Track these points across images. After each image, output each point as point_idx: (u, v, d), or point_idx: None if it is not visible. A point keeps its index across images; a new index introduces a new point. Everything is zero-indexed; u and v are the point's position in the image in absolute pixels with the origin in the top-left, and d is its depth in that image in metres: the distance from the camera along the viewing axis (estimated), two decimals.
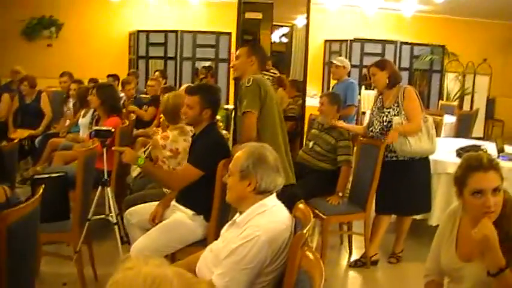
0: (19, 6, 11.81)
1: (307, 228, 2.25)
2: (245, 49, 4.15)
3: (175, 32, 11.46)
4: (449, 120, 9.24)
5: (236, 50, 7.04)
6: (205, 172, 3.60)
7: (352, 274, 4.94)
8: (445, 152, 5.43)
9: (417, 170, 4.76)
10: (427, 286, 2.79)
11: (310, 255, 2.04)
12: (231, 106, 6.13)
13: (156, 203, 3.97)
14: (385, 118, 4.71)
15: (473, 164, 2.39)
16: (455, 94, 12.45)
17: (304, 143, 5.88)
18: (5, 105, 7.99)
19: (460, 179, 2.42)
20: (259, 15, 10.51)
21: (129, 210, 4.03)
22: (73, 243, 4.01)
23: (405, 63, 11.86)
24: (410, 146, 4.57)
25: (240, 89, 4.05)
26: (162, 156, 4.34)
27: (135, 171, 5.31)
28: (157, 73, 9.27)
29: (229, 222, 2.70)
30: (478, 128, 11.58)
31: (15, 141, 4.90)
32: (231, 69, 4.28)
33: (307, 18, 7.21)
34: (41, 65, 10.97)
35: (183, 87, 5.42)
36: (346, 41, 11.93)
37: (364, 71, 11.87)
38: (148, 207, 3.96)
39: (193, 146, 3.88)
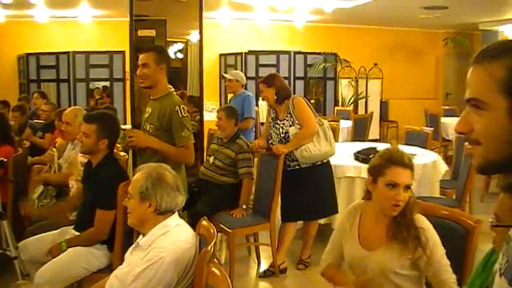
0: None
1: (212, 244, 2.26)
2: (152, 55, 3.91)
3: (67, 53, 11.18)
4: (345, 125, 9.52)
5: (132, 69, 6.95)
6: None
7: (263, 284, 4.97)
8: (343, 156, 5.61)
9: (320, 174, 4.89)
10: (325, 270, 2.85)
11: (217, 271, 2.05)
12: (128, 126, 6.06)
13: (52, 233, 3.86)
14: (281, 130, 4.82)
15: (394, 158, 2.53)
16: (350, 99, 12.86)
17: (204, 159, 5.87)
18: None
19: (378, 168, 2.54)
20: (152, 32, 10.38)
21: (22, 244, 3.87)
22: None
23: (300, 72, 12.17)
24: (310, 151, 4.69)
25: (168, 115, 3.82)
26: (77, 174, 4.22)
27: (35, 193, 5.14)
28: (35, 94, 8.93)
29: (133, 245, 2.66)
30: (374, 131, 12.02)
31: None
32: (138, 80, 4.09)
33: (200, 33, 7.22)
34: None
35: (69, 109, 5.28)
36: (241, 53, 12.09)
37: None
38: (41, 240, 3.83)
39: (91, 179, 3.77)
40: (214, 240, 2.33)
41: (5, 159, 3.91)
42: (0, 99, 8.75)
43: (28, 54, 11.26)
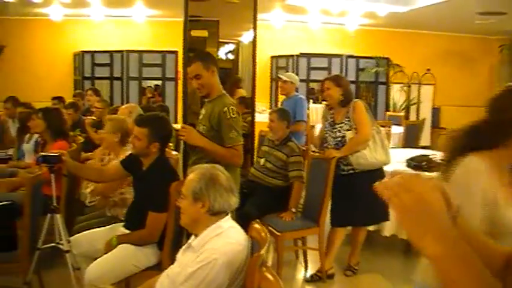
0: None
1: (265, 248, 2.23)
2: (200, 65, 3.91)
3: (121, 51, 11.39)
4: (396, 130, 9.39)
5: (183, 68, 7.00)
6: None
7: None
8: (395, 163, 5.50)
9: (373, 180, 4.74)
10: None
11: (269, 276, 2.03)
12: (179, 125, 6.08)
13: (102, 229, 3.95)
14: (338, 134, 4.75)
15: None
16: (401, 105, 12.68)
17: (255, 160, 5.86)
18: None
19: None
20: (205, 33, 10.49)
21: (73, 239, 3.94)
22: (22, 274, 3.89)
23: (351, 76, 12.06)
24: (366, 159, 4.62)
25: (217, 116, 3.82)
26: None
27: (88, 188, 5.22)
28: (89, 91, 9.10)
29: (185, 245, 2.66)
30: (425, 137, 11.82)
31: None
32: (196, 90, 4.07)
33: (254, 34, 7.22)
34: None
35: (124, 106, 5.34)
36: (292, 56, 12.06)
37: (312, 85, 12.05)
38: (92, 235, 3.90)
39: (142, 182, 3.80)
40: (267, 245, 2.30)
41: (61, 155, 3.96)
42: (55, 95, 8.95)
43: (84, 52, 11.54)
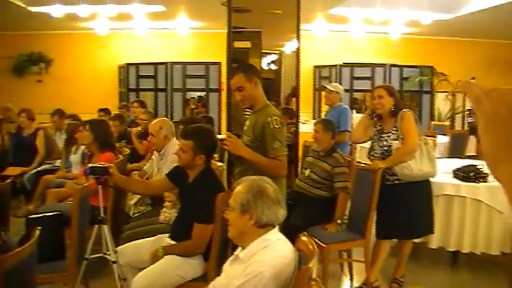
0: (7, 43, 11.90)
1: (313, 261, 2.21)
2: (242, 77, 3.87)
3: (165, 63, 11.54)
4: (441, 140, 9.23)
5: (227, 79, 7.02)
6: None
7: None
8: (441, 173, 5.39)
9: (419, 191, 4.70)
10: None
11: None
12: (220, 136, 6.11)
13: (148, 240, 3.96)
14: (385, 143, 4.68)
15: None
16: (446, 114, 12.49)
17: (299, 171, 5.82)
18: None
19: None
20: (247, 44, 10.52)
21: (119, 249, 3.97)
22: (70, 284, 3.93)
23: (395, 86, 11.84)
24: (412, 170, 4.54)
25: (261, 126, 3.78)
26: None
27: (132, 200, 5.29)
28: (135, 103, 9.23)
29: (232, 257, 2.66)
30: (472, 147, 11.58)
31: (9, 180, 4.84)
32: (239, 101, 4.04)
33: (298, 44, 7.21)
34: (31, 101, 10.89)
35: (154, 121, 5.45)
36: (336, 66, 12.01)
37: (355, 95, 11.98)
38: (138, 246, 3.92)
39: (188, 194, 3.81)
40: (315, 258, 2.27)
41: (109, 166, 4.01)
42: (101, 107, 9.11)
43: (128, 64, 11.75)
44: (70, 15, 9.54)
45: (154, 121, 5.48)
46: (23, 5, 8.91)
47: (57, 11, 9.18)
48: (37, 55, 12.08)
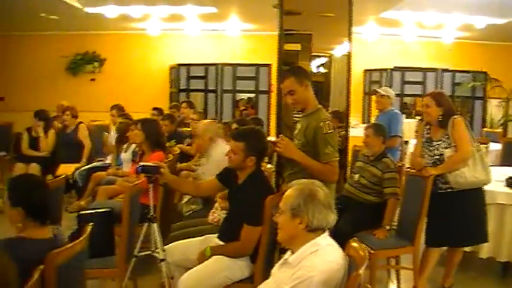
0: (63, 43, 12.28)
1: (363, 268, 2.18)
2: (293, 80, 3.83)
3: (216, 65, 11.62)
4: (493, 147, 9.01)
5: (277, 81, 7.03)
6: None
7: None
8: (493, 181, 5.25)
9: (472, 199, 4.59)
10: None
11: None
12: (272, 138, 6.11)
13: (196, 239, 4.00)
14: (435, 152, 4.59)
15: None
16: (499, 120, 12.20)
17: (348, 176, 5.77)
18: (51, 141, 8.11)
19: None
20: (298, 46, 10.51)
21: (168, 248, 4.01)
22: (118, 279, 3.99)
23: (447, 91, 11.68)
24: (466, 177, 4.45)
25: (313, 131, 3.75)
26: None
27: (184, 198, 5.35)
28: (184, 104, 9.33)
29: (281, 261, 2.65)
30: None
31: (62, 177, 4.94)
32: (290, 105, 4.01)
33: (349, 47, 7.16)
34: (85, 99, 11.23)
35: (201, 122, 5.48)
36: (386, 70, 11.88)
37: (406, 99, 11.83)
38: (186, 245, 3.96)
39: (238, 195, 3.82)
40: (365, 264, 2.25)
41: (160, 165, 4.06)
42: (151, 107, 9.23)
43: (179, 65, 11.88)
44: (123, 15, 9.72)
45: (200, 123, 5.53)
46: (80, 6, 9.11)
47: (111, 11, 9.38)
48: (91, 54, 12.39)
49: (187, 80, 12.00)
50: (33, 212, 2.68)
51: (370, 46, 12.26)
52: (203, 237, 4.02)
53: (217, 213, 4.48)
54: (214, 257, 3.64)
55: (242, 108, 11.79)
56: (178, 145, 7.30)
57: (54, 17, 10.12)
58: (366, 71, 12.49)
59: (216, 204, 4.59)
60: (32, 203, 2.70)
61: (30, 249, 2.45)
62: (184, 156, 7.14)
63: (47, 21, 10.48)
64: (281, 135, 3.86)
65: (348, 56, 7.38)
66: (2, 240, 2.54)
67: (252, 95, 12.09)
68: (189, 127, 8.20)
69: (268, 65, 11.46)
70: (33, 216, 2.67)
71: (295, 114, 4.57)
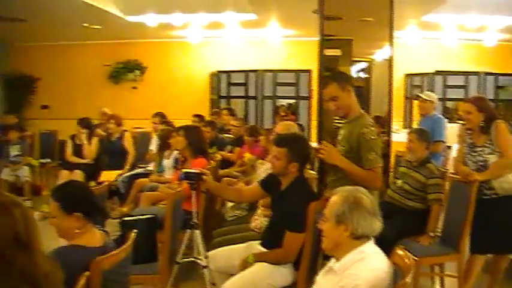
0: (106, 52, 12.51)
1: (409, 276, 2.15)
2: (335, 86, 3.80)
3: (256, 71, 11.66)
4: None
5: (319, 88, 7.00)
6: None
7: None
8: None
9: None
10: None
11: None
12: (314, 144, 6.09)
13: (239, 246, 4.00)
14: (478, 158, 4.51)
15: None
16: None
17: (391, 181, 5.70)
18: (94, 148, 8.25)
19: None
20: (338, 52, 10.45)
21: (210, 254, 4.02)
22: (161, 286, 4.03)
23: (489, 95, 11.50)
24: (511, 182, 4.36)
25: (356, 137, 3.71)
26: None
27: (228, 204, 5.38)
28: (225, 111, 9.39)
29: (325, 268, 2.63)
30: None
31: (105, 183, 5.01)
32: (333, 111, 3.98)
33: (391, 52, 7.09)
34: (126, 107, 11.38)
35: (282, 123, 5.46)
36: (428, 74, 11.73)
37: (448, 104, 11.65)
38: (229, 252, 3.97)
39: (281, 202, 3.80)
40: (412, 273, 2.21)
41: (202, 172, 4.08)
42: (192, 114, 9.31)
43: (220, 72, 11.96)
44: (164, 24, 9.83)
45: (280, 124, 5.53)
46: (121, 15, 9.25)
47: (152, 20, 9.49)
48: (132, 63, 12.57)
49: (227, 87, 12.09)
50: (91, 214, 2.72)
51: (410, 50, 12.10)
52: (246, 244, 4.02)
53: (260, 220, 4.48)
54: (257, 264, 3.63)
55: (282, 114, 11.78)
56: (220, 152, 7.34)
57: (96, 27, 10.30)
58: (407, 75, 12.34)
59: (259, 211, 4.60)
60: (90, 205, 2.75)
61: (81, 257, 2.47)
62: (225, 163, 7.17)
63: (89, 31, 10.67)
64: (324, 141, 3.83)
65: (390, 61, 7.29)
66: (56, 248, 2.58)
67: (292, 101, 12.09)
68: (229, 133, 8.25)
69: (308, 71, 11.44)
70: (91, 218, 2.71)
71: (336, 120, 4.54)
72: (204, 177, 3.96)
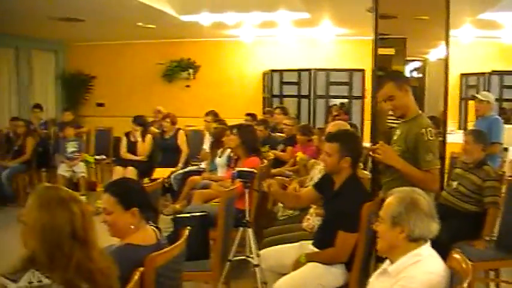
0: (159, 51, 12.69)
1: (467, 281, 2.11)
2: (392, 86, 3.74)
3: (309, 70, 11.61)
4: None
5: (373, 87, 6.92)
6: None
7: None
8: None
9: None
10: None
11: None
12: (367, 144, 6.03)
13: (290, 245, 4.00)
14: None
15: None
16: None
17: (446, 183, 5.59)
18: (148, 145, 8.39)
19: None
20: (391, 51, 10.31)
21: (262, 253, 4.03)
22: (212, 283, 4.06)
23: None
24: None
25: (414, 137, 3.66)
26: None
27: (280, 204, 5.39)
28: (277, 110, 9.40)
29: (379, 270, 2.60)
30: None
31: (159, 180, 5.08)
32: (390, 111, 3.94)
33: (447, 51, 6.94)
34: (179, 105, 11.54)
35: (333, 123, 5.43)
36: (484, 74, 11.46)
37: (505, 104, 11.37)
38: (281, 251, 3.97)
39: (334, 201, 3.78)
40: (469, 278, 2.17)
41: (256, 170, 4.11)
42: (245, 112, 9.36)
43: (272, 71, 11.96)
44: (218, 23, 9.89)
45: (331, 124, 5.52)
46: (176, 15, 9.36)
47: (206, 19, 9.57)
48: (186, 61, 12.70)
49: (280, 86, 12.08)
50: (147, 210, 2.76)
51: (466, 49, 11.84)
52: (298, 243, 4.02)
53: (312, 220, 4.47)
54: (309, 264, 3.63)
55: (335, 113, 11.70)
56: (272, 151, 7.36)
57: (151, 26, 10.44)
58: (462, 75, 12.08)
59: (311, 210, 4.58)
60: (146, 201, 2.79)
61: (137, 256, 2.50)
62: (278, 162, 7.18)
63: (144, 30, 10.83)
64: (381, 141, 3.78)
65: (445, 60, 7.15)
66: (113, 247, 2.63)
67: (345, 101, 12.00)
68: (282, 133, 8.26)
69: (361, 70, 11.32)
70: (146, 214, 2.75)
71: (390, 120, 4.49)
72: (272, 189, 3.97)
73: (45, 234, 2.03)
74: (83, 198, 7.18)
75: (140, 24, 10.22)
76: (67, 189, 2.24)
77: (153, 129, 9.00)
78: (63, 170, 8.44)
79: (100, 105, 13.31)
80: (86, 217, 2.12)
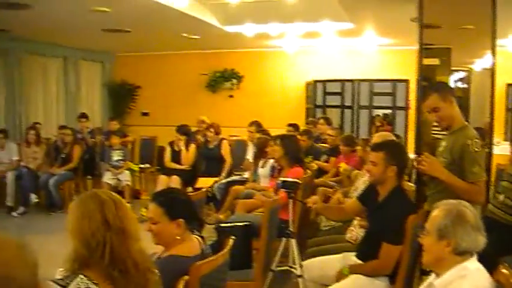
0: (203, 61, 12.83)
1: None
2: (437, 97, 3.72)
3: (352, 80, 11.57)
4: None
5: (418, 98, 6.86)
6: None
7: None
8: None
9: None
10: None
11: None
12: (411, 155, 5.97)
13: (334, 256, 3.98)
14: None
15: None
16: None
17: (492, 196, 5.48)
18: (192, 154, 8.48)
19: None
20: (436, 61, 10.20)
21: (305, 264, 4.03)
22: None
23: None
24: None
25: (460, 149, 3.61)
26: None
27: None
28: (321, 120, 9.38)
29: (425, 284, 2.57)
30: None
31: (203, 190, 5.14)
32: (435, 122, 3.91)
33: (493, 61, 6.84)
34: (223, 115, 11.62)
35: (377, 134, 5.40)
36: None
37: None
38: (324, 262, 3.96)
39: (379, 212, 3.75)
40: None
41: (298, 180, 4.13)
42: (288, 123, 9.37)
43: (316, 81, 11.96)
44: (261, 34, 9.95)
45: (376, 135, 5.51)
46: (220, 26, 9.45)
47: (250, 30, 9.64)
48: (229, 72, 12.81)
49: (323, 96, 12.07)
50: (192, 221, 2.79)
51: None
52: (341, 254, 4.01)
53: (356, 231, 4.45)
54: (352, 276, 3.62)
55: (378, 124, 11.63)
56: (315, 161, 7.35)
57: (195, 37, 10.57)
58: (508, 85, 11.85)
59: (355, 222, 4.57)
60: (192, 213, 2.83)
61: (183, 267, 2.54)
62: (321, 172, 7.18)
63: (188, 41, 10.97)
64: (426, 153, 3.74)
65: (491, 70, 7.04)
66: (159, 258, 2.67)
67: (388, 111, 11.91)
68: (325, 143, 8.25)
69: (405, 81, 11.23)
70: (191, 225, 2.79)
71: (435, 131, 4.44)
72: (314, 206, 3.99)
73: (79, 226, 2.07)
74: (128, 206, 7.35)
75: (185, 35, 10.36)
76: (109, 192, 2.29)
77: (199, 137, 9.10)
78: (108, 177, 8.61)
79: (145, 114, 13.54)
80: (119, 206, 2.14)
